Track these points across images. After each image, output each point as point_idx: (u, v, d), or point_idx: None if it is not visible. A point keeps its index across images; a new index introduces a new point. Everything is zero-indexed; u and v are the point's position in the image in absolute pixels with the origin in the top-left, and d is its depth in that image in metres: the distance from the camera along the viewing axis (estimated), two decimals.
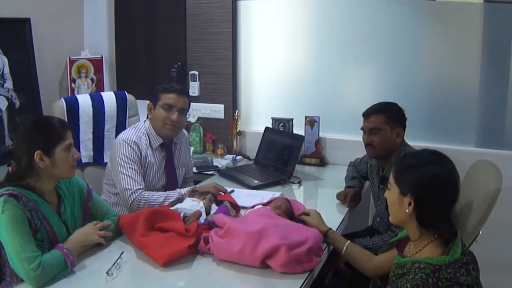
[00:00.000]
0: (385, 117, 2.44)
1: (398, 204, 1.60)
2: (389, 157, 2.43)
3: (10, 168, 1.85)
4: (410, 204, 1.56)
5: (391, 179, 1.64)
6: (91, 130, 2.96)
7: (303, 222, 2.12)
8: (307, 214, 2.15)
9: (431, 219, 1.56)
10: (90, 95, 3.05)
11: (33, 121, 1.94)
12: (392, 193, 1.63)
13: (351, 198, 2.58)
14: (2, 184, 1.81)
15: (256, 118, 3.66)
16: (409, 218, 1.58)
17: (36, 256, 1.69)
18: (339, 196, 2.63)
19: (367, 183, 2.80)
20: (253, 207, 2.29)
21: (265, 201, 2.35)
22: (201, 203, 2.24)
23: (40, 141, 1.82)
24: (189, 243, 1.90)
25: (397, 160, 1.72)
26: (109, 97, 3.04)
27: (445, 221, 1.56)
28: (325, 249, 1.99)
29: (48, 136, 1.85)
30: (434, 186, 1.54)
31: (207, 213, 2.21)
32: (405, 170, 1.61)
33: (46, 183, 1.87)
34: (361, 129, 2.52)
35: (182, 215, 2.11)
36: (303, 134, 3.30)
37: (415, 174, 1.57)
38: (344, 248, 2.01)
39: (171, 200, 2.39)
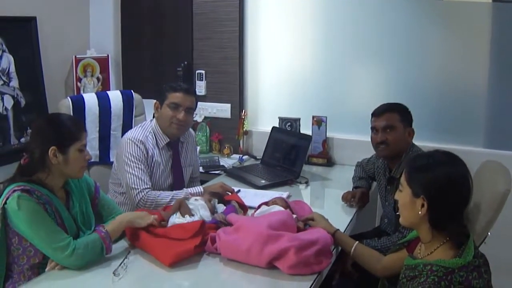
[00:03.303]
0: (399, 116, 2.42)
1: (410, 206, 1.58)
2: (398, 158, 2.41)
3: (22, 160, 1.86)
4: (423, 206, 1.54)
5: (403, 181, 1.61)
6: (97, 129, 2.95)
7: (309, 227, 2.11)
8: (312, 219, 2.13)
9: (444, 221, 1.53)
10: (96, 94, 3.05)
11: (51, 117, 1.97)
12: (404, 195, 1.61)
13: (358, 198, 2.56)
14: (13, 179, 1.82)
15: (263, 118, 3.64)
16: (422, 220, 1.56)
17: (68, 244, 1.74)
18: (345, 195, 2.61)
19: (374, 183, 2.78)
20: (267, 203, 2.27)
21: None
22: (205, 203, 2.22)
23: (56, 137, 1.84)
24: (195, 244, 1.89)
25: (408, 161, 1.70)
26: (115, 96, 3.04)
27: (458, 222, 1.54)
28: (333, 250, 1.98)
29: (65, 133, 1.86)
30: (448, 187, 1.52)
31: (213, 212, 2.19)
32: (418, 171, 1.58)
33: (56, 179, 1.87)
34: (372, 128, 2.48)
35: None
36: (311, 134, 3.28)
37: (429, 175, 1.54)
38: (353, 249, 2.00)
39: None
